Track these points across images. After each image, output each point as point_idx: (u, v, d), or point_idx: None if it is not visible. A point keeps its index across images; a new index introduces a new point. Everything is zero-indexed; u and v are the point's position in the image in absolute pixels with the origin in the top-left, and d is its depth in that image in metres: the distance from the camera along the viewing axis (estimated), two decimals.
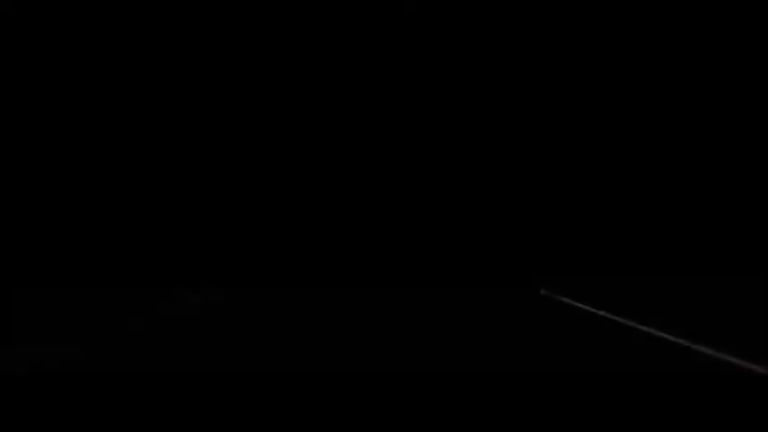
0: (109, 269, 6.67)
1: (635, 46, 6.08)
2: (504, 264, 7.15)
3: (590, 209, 6.85)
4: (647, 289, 6.77)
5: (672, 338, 6.40)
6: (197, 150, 6.40)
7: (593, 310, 6.94)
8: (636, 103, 6.43)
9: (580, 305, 7.05)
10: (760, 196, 6.30)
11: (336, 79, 6.16)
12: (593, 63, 6.24)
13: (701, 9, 5.83)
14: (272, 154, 6.55)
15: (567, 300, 7.16)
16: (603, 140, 6.62)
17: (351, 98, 6.36)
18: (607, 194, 6.84)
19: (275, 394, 5.10)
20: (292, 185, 6.65)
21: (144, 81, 6.11)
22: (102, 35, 5.65)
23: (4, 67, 5.46)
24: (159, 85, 6.29)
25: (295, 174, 6.64)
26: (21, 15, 5.79)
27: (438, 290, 7.05)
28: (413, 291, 7.02)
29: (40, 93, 5.75)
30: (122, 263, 6.61)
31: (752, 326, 6.32)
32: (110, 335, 6.66)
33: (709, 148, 6.47)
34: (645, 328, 6.62)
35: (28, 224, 6.46)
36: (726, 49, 5.93)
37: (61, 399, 5.13)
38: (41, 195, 6.29)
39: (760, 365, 5.90)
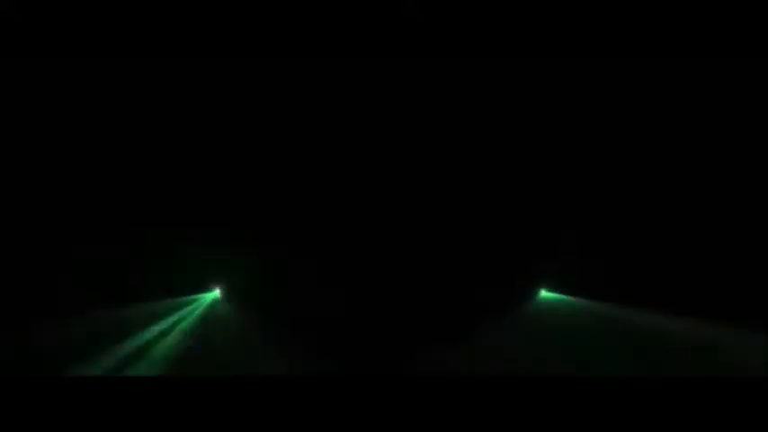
0: None
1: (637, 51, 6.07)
2: (503, 260, 7.10)
3: (594, 205, 6.82)
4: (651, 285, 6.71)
5: (673, 338, 6.39)
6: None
7: (595, 310, 6.93)
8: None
9: (582, 304, 7.03)
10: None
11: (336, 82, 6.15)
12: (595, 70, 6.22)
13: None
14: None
15: (568, 299, 7.15)
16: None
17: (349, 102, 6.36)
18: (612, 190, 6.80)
19: None
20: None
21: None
22: None
23: None
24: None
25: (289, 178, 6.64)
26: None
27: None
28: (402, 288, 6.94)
29: None
30: None
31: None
32: None
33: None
34: (646, 326, 6.61)
35: None
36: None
37: None
38: None
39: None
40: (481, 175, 6.88)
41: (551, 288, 7.28)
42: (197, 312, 7.18)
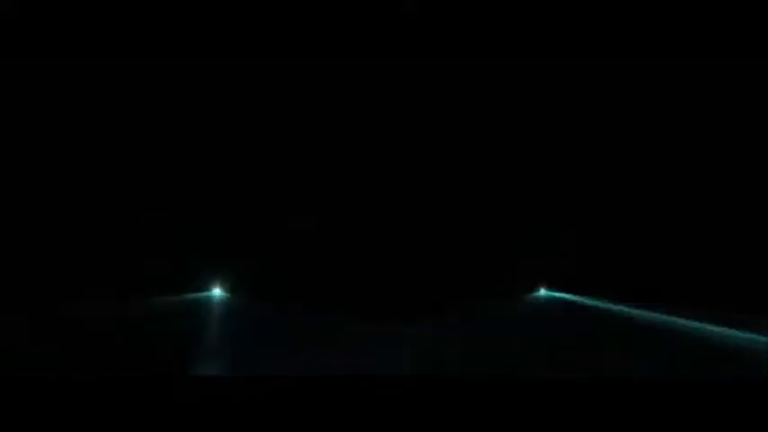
0: None
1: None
2: (500, 259, 7.09)
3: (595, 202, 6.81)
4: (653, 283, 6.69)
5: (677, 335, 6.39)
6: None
7: (598, 308, 6.93)
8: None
9: (584, 303, 7.04)
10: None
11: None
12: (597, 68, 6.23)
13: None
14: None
15: (569, 298, 7.15)
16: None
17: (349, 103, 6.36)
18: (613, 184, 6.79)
19: None
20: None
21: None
22: None
23: None
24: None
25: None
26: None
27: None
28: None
29: None
30: None
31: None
32: None
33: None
34: (649, 323, 6.62)
35: None
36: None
37: None
38: None
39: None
40: (480, 174, 6.89)
41: (551, 287, 7.28)
42: (198, 311, 7.19)
